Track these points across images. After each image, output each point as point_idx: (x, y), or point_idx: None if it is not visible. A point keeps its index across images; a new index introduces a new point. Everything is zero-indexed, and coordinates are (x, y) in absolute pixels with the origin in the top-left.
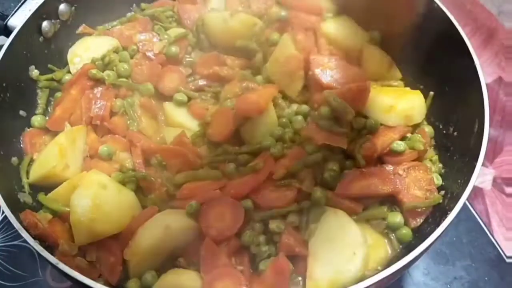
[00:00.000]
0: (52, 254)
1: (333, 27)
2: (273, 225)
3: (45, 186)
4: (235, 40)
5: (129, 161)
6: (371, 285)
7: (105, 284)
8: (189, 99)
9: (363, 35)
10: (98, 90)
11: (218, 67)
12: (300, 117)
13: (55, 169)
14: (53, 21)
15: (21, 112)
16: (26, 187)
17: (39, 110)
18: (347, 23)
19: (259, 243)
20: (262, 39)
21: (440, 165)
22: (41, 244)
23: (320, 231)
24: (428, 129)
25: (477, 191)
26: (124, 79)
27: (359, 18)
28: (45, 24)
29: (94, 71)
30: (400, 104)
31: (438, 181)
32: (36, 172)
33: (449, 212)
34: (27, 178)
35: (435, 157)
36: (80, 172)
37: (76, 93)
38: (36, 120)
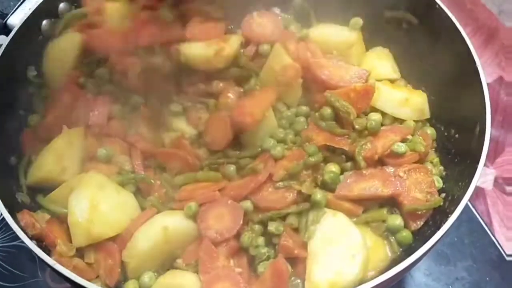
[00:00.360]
0: (49, 254)
1: (319, 30)
2: (272, 227)
3: (44, 187)
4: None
5: (128, 164)
6: None
7: (102, 286)
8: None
9: (349, 30)
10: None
11: (205, 85)
12: (302, 118)
13: (52, 173)
14: (53, 20)
15: (20, 112)
16: (24, 188)
17: (33, 121)
18: (329, 25)
19: (258, 245)
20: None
21: (441, 167)
22: (38, 245)
23: (319, 233)
24: (430, 131)
25: (478, 191)
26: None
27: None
28: (44, 23)
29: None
30: (414, 98)
31: (439, 183)
32: (34, 174)
33: (449, 215)
34: (25, 179)
35: (436, 159)
36: (77, 175)
37: (68, 99)
38: (32, 120)
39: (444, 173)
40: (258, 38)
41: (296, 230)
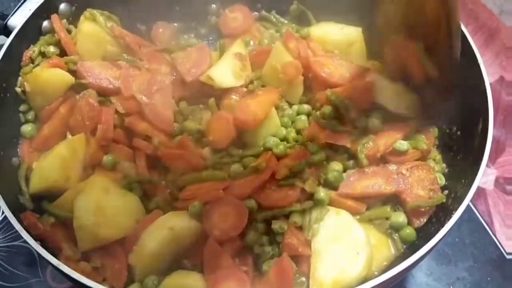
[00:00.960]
0: (53, 256)
1: (320, 29)
2: (276, 225)
3: (46, 193)
4: None
5: (132, 170)
6: (375, 286)
7: None
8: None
9: (350, 29)
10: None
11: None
12: (303, 117)
13: (58, 183)
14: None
15: (21, 112)
16: (26, 194)
17: (30, 116)
18: (330, 24)
19: (263, 244)
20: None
21: (444, 165)
22: (42, 246)
23: (323, 231)
24: (432, 129)
25: (479, 191)
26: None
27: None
28: (45, 24)
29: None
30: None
31: (442, 181)
32: (37, 184)
33: (453, 212)
34: (27, 186)
35: (439, 157)
36: (80, 182)
37: (65, 112)
38: (27, 130)
39: (446, 170)
40: (235, 31)
41: (299, 228)
